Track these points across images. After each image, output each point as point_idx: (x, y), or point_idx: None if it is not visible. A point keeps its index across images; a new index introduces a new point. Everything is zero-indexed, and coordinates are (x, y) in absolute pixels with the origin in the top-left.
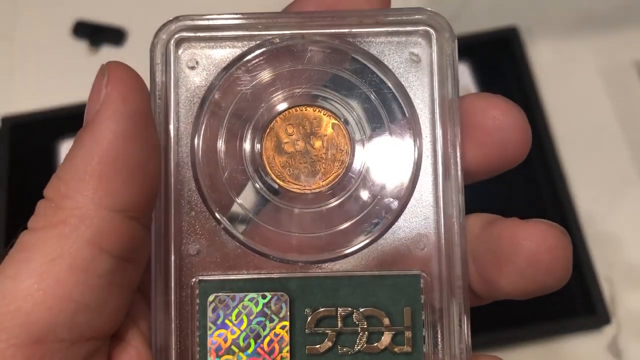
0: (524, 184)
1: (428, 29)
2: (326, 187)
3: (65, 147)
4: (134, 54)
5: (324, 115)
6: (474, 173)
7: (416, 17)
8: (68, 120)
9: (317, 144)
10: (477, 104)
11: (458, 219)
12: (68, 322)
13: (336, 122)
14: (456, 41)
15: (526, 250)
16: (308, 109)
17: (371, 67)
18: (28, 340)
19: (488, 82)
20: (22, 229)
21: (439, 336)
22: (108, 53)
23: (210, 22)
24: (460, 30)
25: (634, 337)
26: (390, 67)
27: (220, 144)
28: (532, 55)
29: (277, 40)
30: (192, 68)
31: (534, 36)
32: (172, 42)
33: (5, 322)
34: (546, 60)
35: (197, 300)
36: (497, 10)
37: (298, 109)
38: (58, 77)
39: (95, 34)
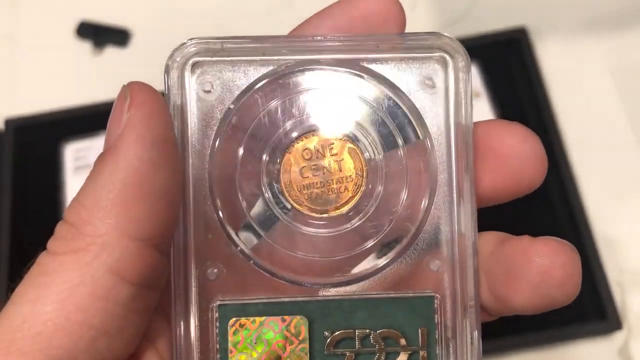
0: None
1: (444, 54)
2: (343, 211)
3: (69, 150)
4: (138, 55)
5: (340, 139)
6: (490, 198)
7: (432, 42)
8: (72, 122)
9: (334, 168)
10: (494, 131)
11: (471, 240)
12: (88, 348)
13: (352, 146)
14: (471, 67)
15: (539, 266)
16: (324, 133)
17: (387, 91)
18: None
19: (497, 83)
20: (41, 250)
21: (452, 354)
22: (112, 54)
23: (225, 46)
24: (469, 30)
25: None
26: (406, 91)
27: (238, 169)
28: (541, 56)
29: (294, 64)
30: (208, 92)
31: (542, 36)
32: (187, 65)
33: (26, 347)
34: (555, 61)
35: (217, 324)
36: (505, 10)
37: (314, 133)
38: (62, 78)
39: (99, 34)
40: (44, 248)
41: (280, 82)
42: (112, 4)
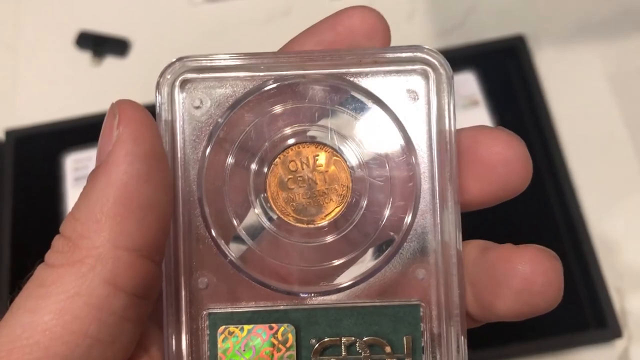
0: (531, 193)
1: (425, 67)
2: (328, 221)
3: (69, 160)
4: (137, 65)
5: (325, 151)
6: (478, 204)
7: (413, 55)
8: (72, 132)
9: (319, 179)
10: (480, 138)
11: (455, 249)
12: (84, 356)
13: (337, 158)
14: (453, 78)
15: (521, 274)
16: (310, 145)
17: (370, 104)
18: None
19: (495, 90)
20: (38, 263)
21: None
22: (111, 64)
23: (214, 64)
24: (466, 39)
25: None
26: (389, 104)
27: (226, 181)
28: (539, 63)
29: (280, 79)
30: (197, 107)
31: (540, 44)
32: (177, 82)
33: (25, 356)
34: (553, 68)
35: (207, 332)
36: (503, 18)
37: (300, 145)
38: (61, 89)
39: (98, 44)
40: (43, 260)
41: (266, 96)
42: (111, 14)
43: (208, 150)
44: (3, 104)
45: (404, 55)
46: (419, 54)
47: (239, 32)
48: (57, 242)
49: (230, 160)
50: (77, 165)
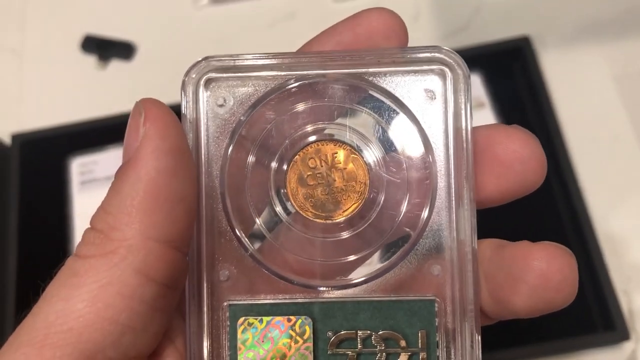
0: (538, 194)
1: (443, 67)
2: (346, 217)
3: (75, 164)
4: (142, 68)
5: (344, 149)
6: (494, 201)
7: (431, 55)
8: (78, 136)
9: (338, 176)
10: (496, 137)
11: (471, 246)
12: (115, 343)
13: (355, 155)
14: (470, 78)
15: (537, 270)
16: (329, 143)
17: (388, 103)
18: (79, 358)
19: (500, 92)
20: (67, 257)
21: (452, 357)
22: (117, 67)
23: (237, 63)
24: (472, 40)
25: None
26: (407, 103)
27: (248, 177)
28: (544, 65)
29: (300, 78)
30: (221, 106)
31: (546, 45)
32: (201, 81)
33: (60, 341)
34: (559, 69)
35: (228, 323)
36: (508, 19)
37: (320, 143)
38: (67, 93)
39: (104, 48)
40: (53, 261)
41: (287, 95)
42: (116, 18)
43: (230, 147)
44: (9, 108)
45: (421, 55)
46: (436, 54)
47: (244, 36)
48: (88, 234)
49: (251, 157)
50: (82, 170)
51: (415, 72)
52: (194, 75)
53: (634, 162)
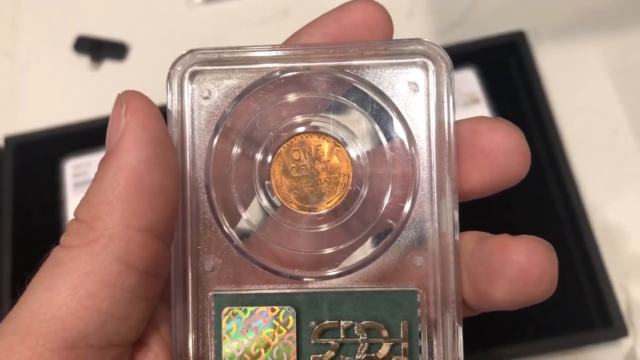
0: (534, 189)
1: (425, 60)
2: (329, 209)
3: (69, 166)
4: (135, 68)
5: (328, 141)
6: (479, 192)
7: (414, 47)
8: (71, 138)
9: (321, 168)
10: (480, 129)
11: (452, 237)
12: (97, 331)
13: (339, 147)
14: (453, 70)
15: (517, 264)
16: (313, 135)
17: (372, 95)
18: (63, 346)
19: (496, 87)
20: (54, 245)
21: (434, 347)
22: (110, 68)
23: (222, 56)
24: (467, 35)
25: None
26: (390, 95)
27: (232, 169)
28: (540, 59)
29: (285, 71)
30: (206, 98)
31: (541, 39)
32: (186, 74)
33: (43, 329)
34: (554, 64)
35: (213, 313)
36: (503, 14)
37: (304, 135)
38: (60, 94)
39: (96, 49)
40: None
41: (271, 87)
42: (109, 18)
43: (215, 139)
44: (2, 110)
45: (404, 48)
46: (419, 47)
47: (237, 34)
48: (72, 225)
49: (236, 149)
50: (76, 171)
51: (398, 64)
52: (179, 68)
53: (631, 156)
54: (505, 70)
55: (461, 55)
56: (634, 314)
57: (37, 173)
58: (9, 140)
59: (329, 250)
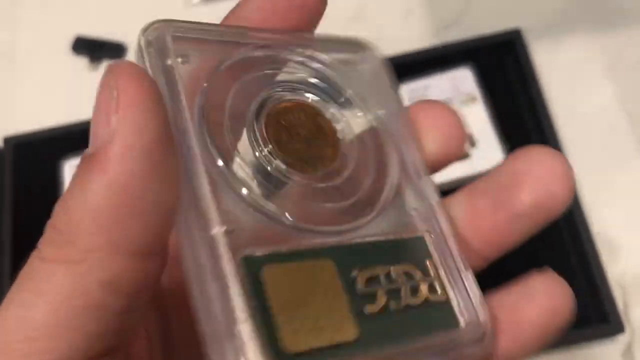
0: None
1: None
2: (332, 167)
3: (68, 166)
4: None
5: (307, 108)
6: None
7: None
8: (71, 139)
9: (310, 130)
10: (420, 108)
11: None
12: (82, 349)
13: (318, 113)
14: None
15: (542, 162)
16: (294, 103)
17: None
18: None
19: (492, 85)
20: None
21: (458, 283)
22: None
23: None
24: (463, 34)
25: None
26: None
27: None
28: (536, 57)
29: (261, 47)
30: (184, 63)
31: (537, 38)
32: (166, 38)
33: (24, 349)
34: (551, 62)
35: (244, 275)
36: (499, 12)
37: (286, 103)
38: (59, 95)
39: (95, 49)
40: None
41: (251, 61)
42: (107, 18)
43: (200, 114)
44: (1, 111)
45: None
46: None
47: None
48: (49, 231)
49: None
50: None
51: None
52: (153, 35)
53: (629, 154)
54: (502, 69)
55: (458, 53)
56: (630, 311)
57: (36, 173)
58: (8, 140)
59: (346, 202)
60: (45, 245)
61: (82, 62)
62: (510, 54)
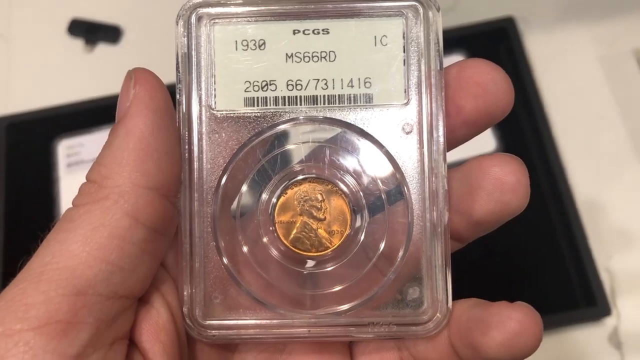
0: None
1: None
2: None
3: (62, 146)
4: (129, 52)
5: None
6: (471, 124)
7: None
8: (64, 119)
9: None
10: (467, 66)
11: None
12: (105, 280)
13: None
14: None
15: (493, 174)
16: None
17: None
18: (72, 292)
19: None
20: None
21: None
22: (104, 51)
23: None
24: (456, 21)
25: (635, 327)
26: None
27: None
28: (529, 46)
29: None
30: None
31: (530, 26)
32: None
33: (55, 276)
34: (543, 50)
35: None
36: (492, 0)
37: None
38: (54, 76)
39: (90, 32)
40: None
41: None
42: (102, 1)
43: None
44: None
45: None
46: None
47: None
48: (83, 186)
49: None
50: (69, 152)
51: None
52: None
53: (618, 142)
54: (495, 56)
55: (451, 40)
56: (617, 294)
57: (30, 153)
58: (1, 120)
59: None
60: (80, 196)
61: (77, 44)
62: (504, 42)
